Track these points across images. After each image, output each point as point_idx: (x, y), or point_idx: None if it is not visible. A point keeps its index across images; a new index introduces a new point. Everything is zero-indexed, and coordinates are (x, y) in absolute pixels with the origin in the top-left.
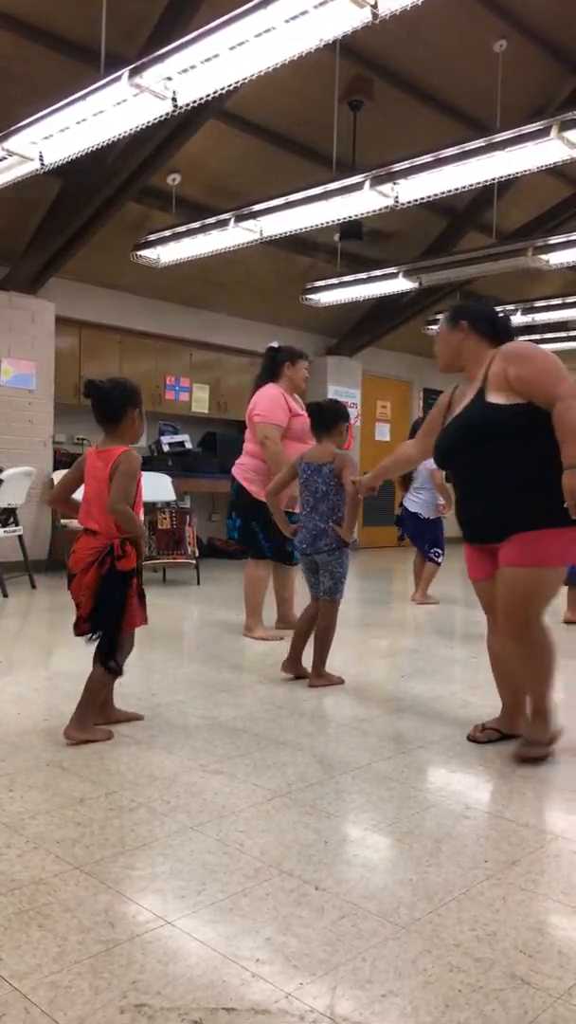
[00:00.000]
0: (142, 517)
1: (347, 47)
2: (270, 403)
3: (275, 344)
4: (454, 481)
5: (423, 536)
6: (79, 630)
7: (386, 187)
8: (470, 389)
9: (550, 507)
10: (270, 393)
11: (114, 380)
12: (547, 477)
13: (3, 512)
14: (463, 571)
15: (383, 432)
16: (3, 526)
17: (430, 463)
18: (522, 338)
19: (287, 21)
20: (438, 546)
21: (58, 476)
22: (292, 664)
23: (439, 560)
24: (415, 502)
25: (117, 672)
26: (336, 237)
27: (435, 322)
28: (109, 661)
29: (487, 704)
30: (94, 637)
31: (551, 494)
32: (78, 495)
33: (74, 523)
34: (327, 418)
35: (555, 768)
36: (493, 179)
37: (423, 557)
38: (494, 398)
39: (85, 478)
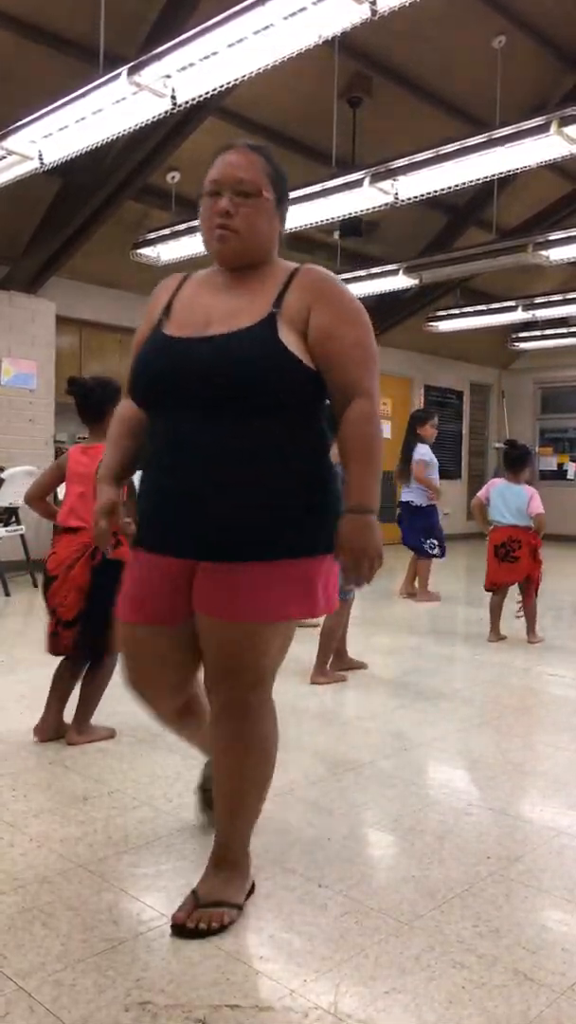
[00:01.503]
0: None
1: (346, 44)
2: None
3: None
4: (159, 437)
5: (415, 526)
6: (61, 644)
7: (386, 184)
8: (240, 301)
9: (307, 527)
10: None
11: (96, 378)
12: (312, 486)
13: (5, 511)
14: (465, 567)
15: (384, 429)
16: (5, 525)
17: (423, 453)
18: (523, 335)
19: (286, 18)
20: (433, 536)
21: None
22: (339, 660)
23: (434, 552)
24: (407, 490)
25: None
26: (336, 234)
27: (436, 319)
28: (105, 656)
29: (489, 702)
30: (82, 652)
31: (314, 510)
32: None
33: None
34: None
35: (557, 764)
36: (493, 175)
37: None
38: (289, 339)
39: (67, 476)
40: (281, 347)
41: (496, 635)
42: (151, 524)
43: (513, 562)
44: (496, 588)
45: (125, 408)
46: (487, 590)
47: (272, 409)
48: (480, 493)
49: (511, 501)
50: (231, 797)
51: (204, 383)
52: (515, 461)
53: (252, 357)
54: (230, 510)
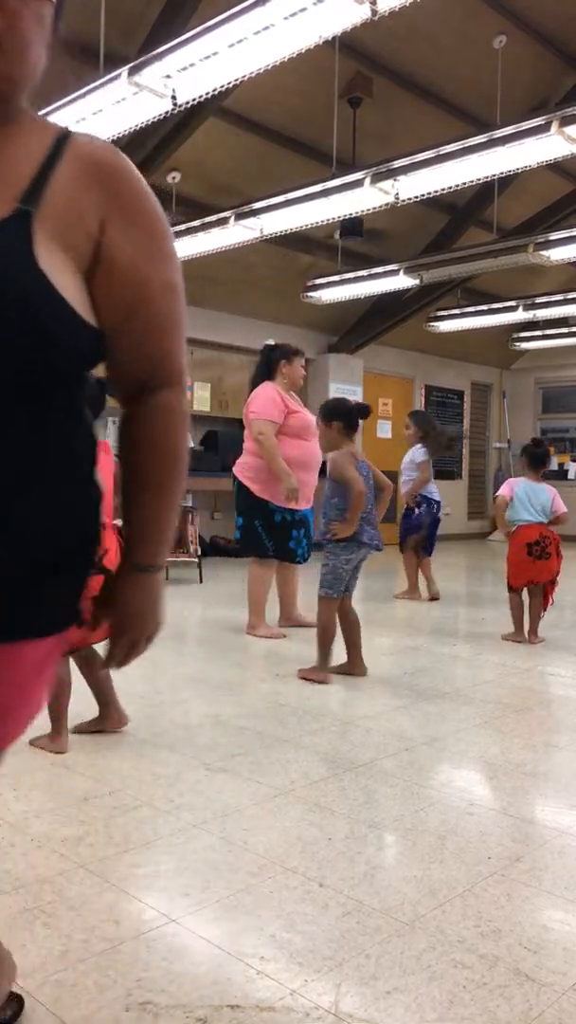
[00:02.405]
0: None
1: (346, 44)
2: (265, 400)
3: (271, 342)
4: None
5: (434, 527)
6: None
7: (386, 184)
8: None
9: (58, 587)
10: (265, 391)
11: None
12: (73, 517)
13: None
14: (464, 567)
15: (385, 429)
16: None
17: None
18: (524, 335)
19: (286, 18)
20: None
21: None
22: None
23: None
24: (436, 490)
25: None
26: (337, 234)
27: (437, 319)
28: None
29: (490, 701)
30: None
31: (72, 558)
32: None
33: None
34: (355, 419)
35: (558, 764)
36: (493, 175)
37: (421, 551)
38: (54, 264)
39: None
40: (37, 276)
41: (522, 635)
42: None
43: (547, 559)
44: (531, 585)
45: None
46: (515, 589)
47: (8, 387)
48: (504, 492)
49: (536, 499)
50: None
51: None
52: (538, 459)
53: None
54: None
